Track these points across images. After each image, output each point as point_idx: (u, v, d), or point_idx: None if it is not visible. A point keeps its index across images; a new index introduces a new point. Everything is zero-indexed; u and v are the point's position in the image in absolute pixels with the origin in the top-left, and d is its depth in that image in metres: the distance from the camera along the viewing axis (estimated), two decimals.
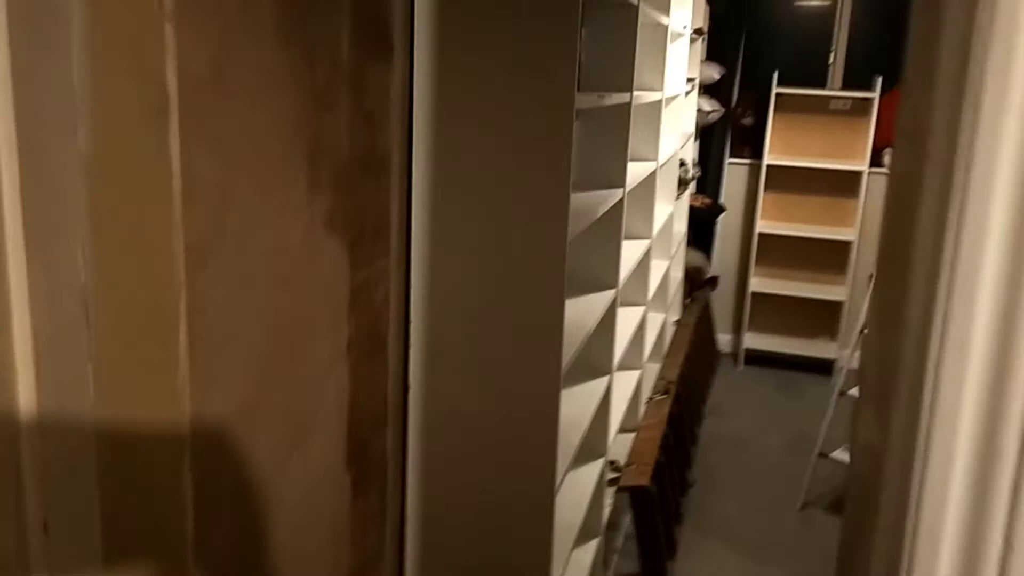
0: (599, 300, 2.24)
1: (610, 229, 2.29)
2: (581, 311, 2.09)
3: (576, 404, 2.13)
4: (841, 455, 3.63)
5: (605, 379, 2.35)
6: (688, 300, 4.72)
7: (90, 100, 0.69)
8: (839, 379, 3.88)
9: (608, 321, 2.30)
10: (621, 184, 2.29)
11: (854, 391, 3.63)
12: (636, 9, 2.20)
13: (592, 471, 2.36)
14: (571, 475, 2.27)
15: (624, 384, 2.87)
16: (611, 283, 2.34)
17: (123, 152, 0.71)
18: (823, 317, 5.03)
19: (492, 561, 1.74)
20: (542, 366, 1.67)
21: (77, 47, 0.67)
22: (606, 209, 2.10)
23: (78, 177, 0.73)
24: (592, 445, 2.36)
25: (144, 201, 0.74)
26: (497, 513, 1.71)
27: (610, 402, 2.45)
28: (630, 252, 2.70)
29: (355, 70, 1.38)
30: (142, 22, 0.66)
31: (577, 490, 2.24)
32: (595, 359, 2.34)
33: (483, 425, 1.71)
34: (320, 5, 1.25)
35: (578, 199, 2.01)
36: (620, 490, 2.76)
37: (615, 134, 2.26)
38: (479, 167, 1.60)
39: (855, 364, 3.77)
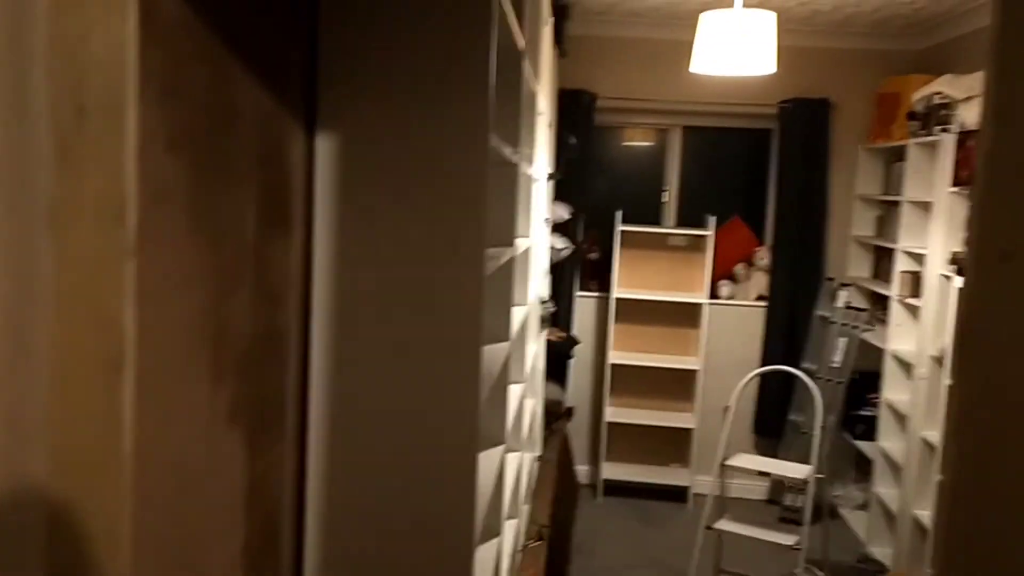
0: (492, 458, 2.15)
1: (498, 383, 2.23)
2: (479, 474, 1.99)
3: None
4: None
5: (496, 540, 2.23)
6: (547, 433, 4.69)
7: (50, 355, 0.56)
8: (700, 509, 3.93)
9: (500, 478, 2.21)
10: (507, 337, 2.25)
11: (720, 524, 3.68)
12: (517, 167, 2.22)
13: None
14: None
15: (508, 538, 2.76)
16: (499, 438, 2.26)
17: (77, 416, 0.58)
18: (675, 444, 5.15)
19: None
20: (451, 547, 1.55)
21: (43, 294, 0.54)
22: (500, 365, 2.05)
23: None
24: None
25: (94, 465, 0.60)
26: None
27: (502, 563, 2.32)
28: (510, 399, 2.65)
29: (259, 248, 1.27)
30: (105, 259, 0.55)
31: None
32: (487, 520, 2.22)
33: None
34: (230, 186, 1.15)
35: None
36: None
37: (501, 287, 2.23)
38: (382, 333, 1.50)
39: (717, 492, 3.85)
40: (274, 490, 1.43)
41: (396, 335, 1.49)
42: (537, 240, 3.44)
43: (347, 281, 1.48)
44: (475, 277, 1.51)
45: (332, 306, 1.47)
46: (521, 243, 2.59)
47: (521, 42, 2.06)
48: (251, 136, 1.22)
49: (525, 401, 3.09)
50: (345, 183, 1.47)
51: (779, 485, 5.01)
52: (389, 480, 1.54)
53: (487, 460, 2.12)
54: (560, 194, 4.82)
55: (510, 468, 2.65)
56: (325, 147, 1.45)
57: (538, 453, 4.27)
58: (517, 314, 2.73)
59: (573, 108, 4.88)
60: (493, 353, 2.09)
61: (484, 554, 2.14)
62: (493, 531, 2.23)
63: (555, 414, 4.86)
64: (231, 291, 1.18)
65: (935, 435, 3.65)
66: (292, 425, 1.48)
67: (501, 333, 2.25)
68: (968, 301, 0.53)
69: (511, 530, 2.84)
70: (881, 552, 4.34)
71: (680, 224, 5.26)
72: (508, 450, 2.62)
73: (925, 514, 3.72)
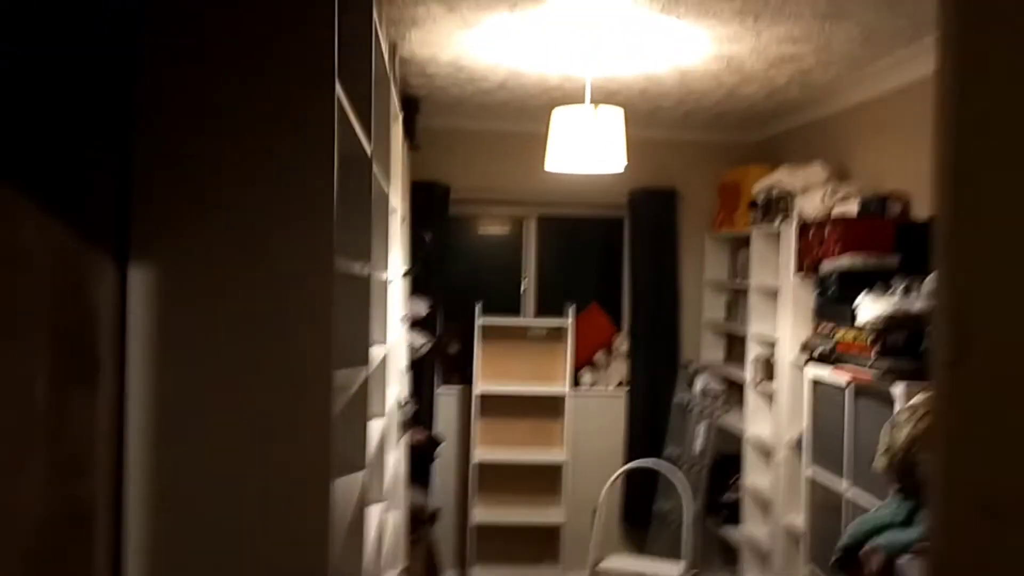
0: None
1: (354, 515, 2.02)
2: None
3: None
4: None
5: None
6: (411, 540, 4.43)
7: None
8: None
9: None
10: (363, 463, 2.06)
11: None
12: (368, 279, 2.07)
13: None
14: None
15: None
16: None
17: None
18: (545, 541, 4.98)
19: None
20: None
21: None
22: (356, 496, 1.85)
23: None
24: None
25: None
26: None
27: None
28: (368, 522, 2.42)
29: (54, 408, 1.05)
30: None
31: None
32: None
33: None
34: (12, 342, 0.94)
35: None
36: None
37: (355, 407, 2.05)
38: (212, 495, 1.29)
39: None
40: None
41: (229, 494, 1.29)
42: (394, 342, 3.27)
43: (170, 433, 1.27)
44: (321, 413, 1.34)
45: (151, 466, 1.26)
46: (377, 352, 2.42)
47: (368, 148, 1.94)
48: (42, 278, 1.02)
49: (387, 515, 2.87)
50: (164, 318, 1.27)
51: None
52: None
53: None
54: (417, 288, 4.68)
55: None
56: (140, 279, 1.26)
57: (402, 566, 4.00)
58: (375, 427, 2.54)
59: (427, 200, 4.79)
60: (348, 484, 1.90)
61: None
62: None
63: (419, 520, 4.61)
64: (15, 469, 0.96)
65: (798, 520, 3.68)
66: None
67: (356, 459, 2.05)
68: (942, 564, 0.42)
69: None
70: None
71: (540, 312, 5.23)
72: None
73: None
